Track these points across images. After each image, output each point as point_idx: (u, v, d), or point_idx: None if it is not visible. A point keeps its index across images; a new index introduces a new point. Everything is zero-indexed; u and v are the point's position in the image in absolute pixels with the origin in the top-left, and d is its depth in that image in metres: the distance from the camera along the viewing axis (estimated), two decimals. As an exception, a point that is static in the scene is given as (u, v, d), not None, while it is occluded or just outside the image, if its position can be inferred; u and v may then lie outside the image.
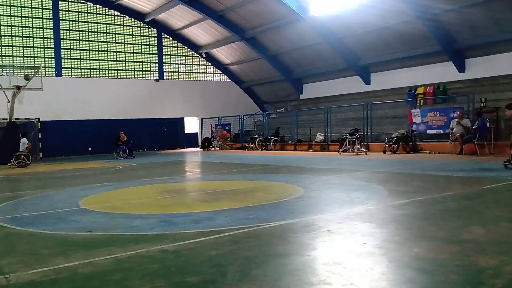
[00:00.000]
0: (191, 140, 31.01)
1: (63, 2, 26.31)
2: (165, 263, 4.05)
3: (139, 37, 29.07)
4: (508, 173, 9.66)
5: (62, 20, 26.33)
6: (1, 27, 24.67)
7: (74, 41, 26.78)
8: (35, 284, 3.63)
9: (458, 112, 16.17)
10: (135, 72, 29.00)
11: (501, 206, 6.28)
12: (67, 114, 25.59)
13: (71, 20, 26.66)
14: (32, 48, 25.51)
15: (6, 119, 21.20)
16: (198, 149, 29.73)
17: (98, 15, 27.57)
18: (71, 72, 26.80)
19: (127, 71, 28.64)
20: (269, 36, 26.28)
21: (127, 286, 3.50)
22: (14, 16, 25.06)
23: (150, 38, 29.46)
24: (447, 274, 3.44)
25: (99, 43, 27.60)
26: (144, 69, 29.35)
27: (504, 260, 3.73)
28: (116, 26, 28.19)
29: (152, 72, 29.63)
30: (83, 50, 27.07)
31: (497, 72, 18.66)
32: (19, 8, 25.18)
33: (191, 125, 31.33)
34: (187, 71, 31.19)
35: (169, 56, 30.34)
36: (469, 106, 17.05)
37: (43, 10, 25.80)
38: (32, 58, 25.24)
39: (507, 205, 6.36)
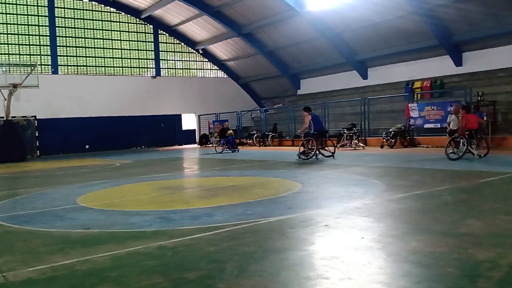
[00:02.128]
0: (188, 136, 30.99)
1: (59, -1, 26.22)
2: (163, 259, 4.05)
3: (136, 33, 28.99)
4: (506, 166, 9.69)
5: (58, 17, 26.22)
6: (-3, 24, 24.58)
7: (70, 38, 26.68)
8: (33, 282, 3.62)
9: (453, 106, 16.16)
10: (132, 69, 28.93)
11: (498, 199, 6.30)
12: (64, 111, 25.53)
13: (67, 17, 26.55)
14: (28, 46, 25.41)
15: (3, 117, 21.15)
16: (196, 145, 29.71)
17: (94, 12, 27.46)
18: (68, 69, 26.72)
19: (124, 68, 28.56)
20: (266, 32, 26.22)
21: (125, 283, 3.50)
22: (10, 13, 24.94)
23: (147, 34, 29.38)
24: (445, 267, 3.45)
25: (96, 40, 27.51)
26: (141, 66, 29.28)
27: (501, 253, 3.74)
28: (112, 23, 28.08)
29: (149, 69, 29.56)
30: (79, 47, 26.98)
31: (494, 65, 18.68)
32: (14, 5, 25.05)
33: (189, 122, 31.30)
34: (184, 68, 31.11)
35: (165, 52, 30.26)
36: (466, 100, 17.05)
37: (39, 7, 25.68)
38: (28, 56, 25.14)
39: (504, 198, 6.37)
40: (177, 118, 30.39)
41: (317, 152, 13.28)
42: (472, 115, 11.88)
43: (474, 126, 11.50)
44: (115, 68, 28.25)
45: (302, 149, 13.65)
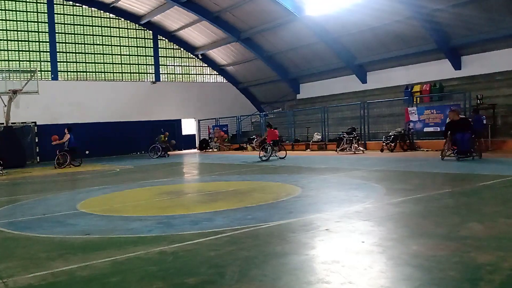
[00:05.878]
0: (188, 141, 30.98)
1: (58, 5, 26.27)
2: (164, 264, 4.04)
3: (135, 39, 29.04)
4: (508, 170, 9.68)
5: (58, 23, 26.27)
6: (-4, 31, 24.63)
7: (70, 44, 26.73)
8: (33, 288, 3.61)
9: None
10: (132, 74, 28.96)
11: (498, 202, 6.29)
12: (64, 117, 25.50)
13: (66, 24, 26.60)
14: (28, 52, 25.45)
15: (3, 123, 21.16)
16: (195, 150, 29.71)
17: (93, 18, 27.52)
18: (67, 75, 26.75)
19: (123, 74, 28.60)
20: (265, 37, 26.28)
21: (126, 289, 3.49)
22: (9, 20, 24.99)
23: (146, 40, 29.44)
24: (446, 271, 3.45)
25: (95, 46, 27.56)
26: (140, 71, 29.32)
27: (502, 256, 3.74)
28: (111, 28, 28.15)
29: (148, 74, 29.60)
30: (79, 53, 27.02)
31: (493, 69, 18.72)
32: (14, 12, 25.11)
33: (189, 127, 31.29)
34: (183, 73, 31.16)
35: (165, 58, 30.31)
36: (465, 103, 17.10)
37: (39, 14, 25.74)
38: (28, 62, 25.19)
39: (505, 201, 6.37)
40: (177, 123, 30.39)
41: (70, 162, 18.39)
42: (273, 130, 16.92)
43: (276, 138, 16.81)
44: (114, 74, 28.28)
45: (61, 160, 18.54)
